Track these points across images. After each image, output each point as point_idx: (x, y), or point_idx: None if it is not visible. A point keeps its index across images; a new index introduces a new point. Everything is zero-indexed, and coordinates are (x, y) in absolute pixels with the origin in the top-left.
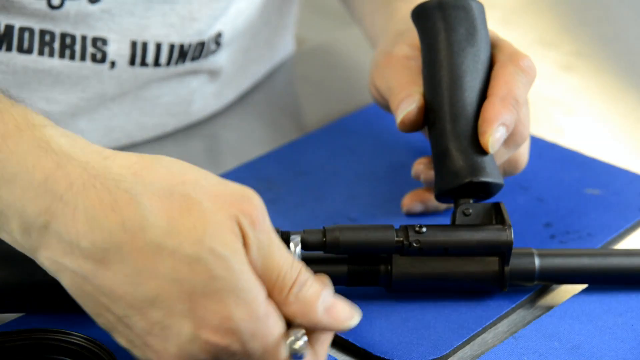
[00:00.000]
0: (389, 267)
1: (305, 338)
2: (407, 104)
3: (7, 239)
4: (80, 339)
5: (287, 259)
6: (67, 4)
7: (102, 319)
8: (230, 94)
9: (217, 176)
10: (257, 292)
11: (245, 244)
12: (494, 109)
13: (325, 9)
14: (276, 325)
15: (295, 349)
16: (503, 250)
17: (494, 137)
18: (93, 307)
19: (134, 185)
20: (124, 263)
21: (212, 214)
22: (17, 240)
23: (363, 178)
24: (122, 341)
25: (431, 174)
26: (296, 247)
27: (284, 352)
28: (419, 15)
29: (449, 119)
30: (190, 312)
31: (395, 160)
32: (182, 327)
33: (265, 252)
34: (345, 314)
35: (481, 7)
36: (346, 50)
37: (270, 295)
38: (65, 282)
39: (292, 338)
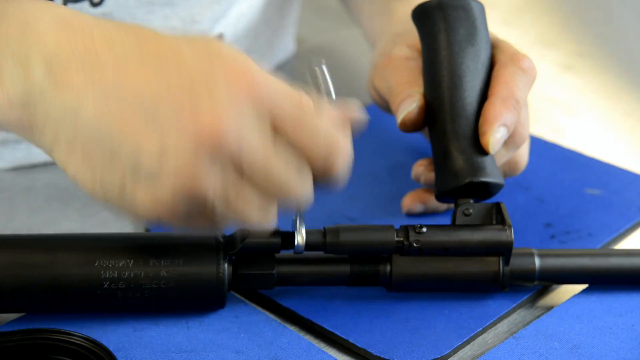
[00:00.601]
0: (389, 267)
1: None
2: (407, 104)
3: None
4: (80, 339)
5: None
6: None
7: (115, 176)
8: None
9: None
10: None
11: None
12: (494, 109)
13: (325, 9)
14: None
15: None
16: (503, 251)
17: (494, 137)
18: (99, 159)
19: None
20: (144, 63)
21: (223, 47)
22: (37, 80)
23: (363, 178)
24: (141, 197)
25: (431, 175)
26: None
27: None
28: (419, 16)
29: (449, 119)
30: (189, 111)
31: (395, 160)
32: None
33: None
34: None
35: (481, 7)
36: (346, 50)
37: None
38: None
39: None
